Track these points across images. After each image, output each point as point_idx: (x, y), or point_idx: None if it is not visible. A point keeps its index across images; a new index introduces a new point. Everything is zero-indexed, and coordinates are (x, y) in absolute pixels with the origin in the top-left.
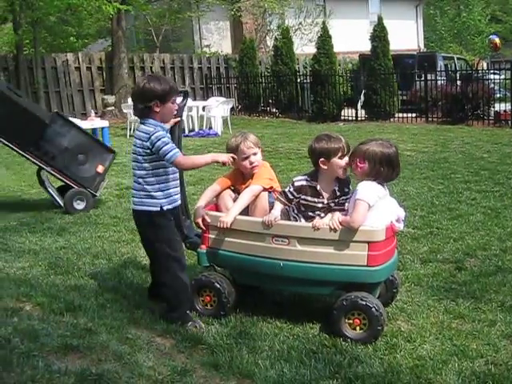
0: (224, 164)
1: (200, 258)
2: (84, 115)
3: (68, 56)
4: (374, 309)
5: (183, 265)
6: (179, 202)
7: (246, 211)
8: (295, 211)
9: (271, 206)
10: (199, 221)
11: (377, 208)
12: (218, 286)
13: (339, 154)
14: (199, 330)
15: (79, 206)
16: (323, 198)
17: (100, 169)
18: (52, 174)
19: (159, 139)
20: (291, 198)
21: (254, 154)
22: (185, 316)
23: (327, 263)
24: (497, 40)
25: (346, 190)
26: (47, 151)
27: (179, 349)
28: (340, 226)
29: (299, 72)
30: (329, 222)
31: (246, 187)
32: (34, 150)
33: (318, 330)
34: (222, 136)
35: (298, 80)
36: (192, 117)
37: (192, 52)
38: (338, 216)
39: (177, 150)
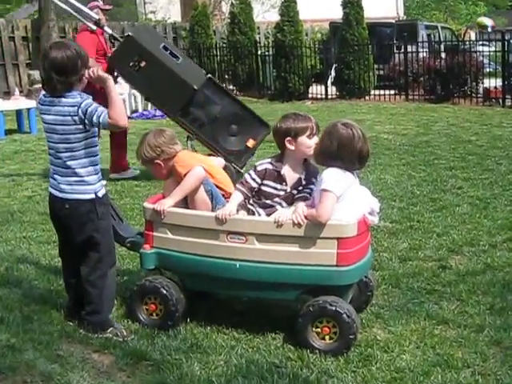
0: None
1: (143, 259)
2: (7, 94)
3: None
4: (345, 315)
5: (114, 261)
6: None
7: (184, 203)
8: (251, 201)
9: (209, 195)
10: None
11: (345, 198)
12: (165, 292)
13: (307, 133)
14: (121, 337)
15: None
16: (286, 184)
17: (250, 143)
18: (201, 142)
19: (91, 104)
20: (255, 185)
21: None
22: (106, 321)
23: (291, 263)
24: (486, 22)
25: (314, 179)
26: (195, 118)
27: (119, 366)
28: (305, 221)
29: (260, 43)
30: (292, 215)
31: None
32: (182, 116)
33: (282, 340)
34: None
35: (259, 52)
36: (135, 96)
37: (135, 19)
38: (302, 209)
39: (105, 111)
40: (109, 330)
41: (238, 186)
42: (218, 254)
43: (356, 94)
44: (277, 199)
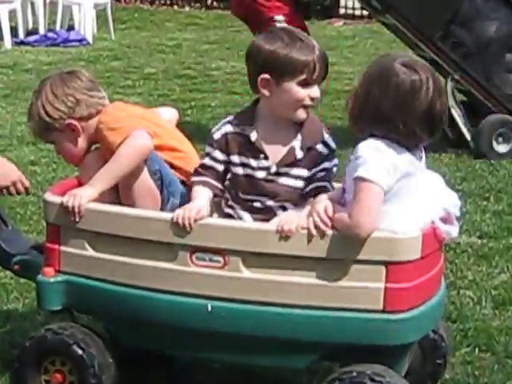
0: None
1: (43, 294)
2: None
3: None
4: None
5: None
6: None
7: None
8: (229, 200)
9: (158, 181)
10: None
11: (400, 193)
12: (80, 351)
13: (301, 76)
14: None
15: (502, 147)
16: (266, 158)
17: None
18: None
19: None
20: (220, 168)
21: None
22: None
23: (303, 306)
24: None
25: (325, 152)
26: (459, 43)
27: None
28: (329, 225)
29: None
30: (306, 219)
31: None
32: (442, 38)
33: None
34: (95, 44)
35: None
36: (33, 4)
37: None
38: (324, 206)
39: None
40: None
41: (194, 177)
42: (176, 287)
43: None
44: (260, 190)
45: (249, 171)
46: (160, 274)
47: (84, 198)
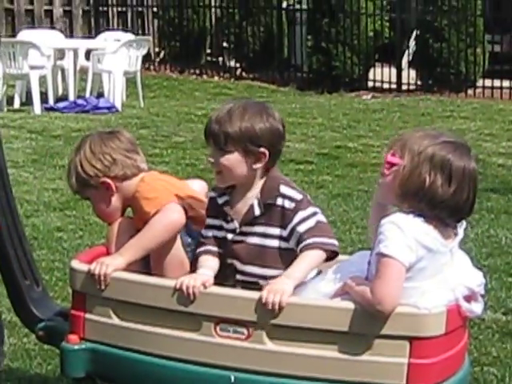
0: None
1: (67, 361)
2: None
3: None
4: None
5: None
6: None
7: (144, 264)
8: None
9: (191, 252)
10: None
11: (425, 270)
12: None
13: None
14: None
15: None
16: (232, 220)
17: None
18: None
19: None
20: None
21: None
22: None
23: (327, 380)
24: None
25: (280, 201)
26: None
27: None
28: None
29: None
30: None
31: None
32: None
33: None
34: (124, 112)
35: (285, 4)
36: (64, 71)
37: None
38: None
39: None
40: None
41: (197, 249)
42: (200, 357)
43: (452, 84)
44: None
45: (223, 234)
46: (184, 345)
47: (111, 266)
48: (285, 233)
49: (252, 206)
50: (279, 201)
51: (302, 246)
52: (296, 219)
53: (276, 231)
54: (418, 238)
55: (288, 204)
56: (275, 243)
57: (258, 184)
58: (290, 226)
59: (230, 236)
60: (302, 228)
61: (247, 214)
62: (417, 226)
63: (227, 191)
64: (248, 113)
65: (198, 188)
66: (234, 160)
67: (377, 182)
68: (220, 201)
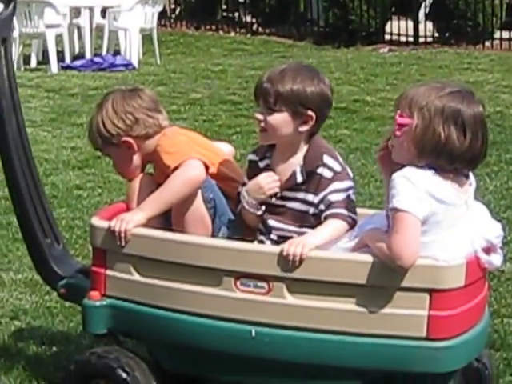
0: None
1: (89, 317)
2: None
3: None
4: None
5: None
6: None
7: (164, 220)
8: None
9: (210, 208)
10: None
11: (441, 222)
12: (125, 375)
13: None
14: None
15: None
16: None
17: None
18: None
19: None
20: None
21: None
22: None
23: (347, 333)
24: None
25: (320, 170)
26: None
27: None
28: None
29: None
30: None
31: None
32: None
33: None
34: (141, 69)
35: None
36: (80, 29)
37: None
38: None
39: None
40: None
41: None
42: (220, 312)
43: (469, 36)
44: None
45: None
46: (204, 300)
47: (131, 222)
48: (316, 199)
49: (294, 173)
50: (319, 169)
51: (329, 213)
52: (330, 188)
53: (311, 197)
54: (430, 190)
55: (327, 173)
56: (308, 208)
57: (302, 149)
58: (322, 194)
59: (270, 199)
60: (333, 197)
61: (289, 179)
62: (428, 179)
63: (268, 155)
64: (300, 75)
65: (227, 150)
66: (281, 119)
67: (390, 143)
68: (261, 164)
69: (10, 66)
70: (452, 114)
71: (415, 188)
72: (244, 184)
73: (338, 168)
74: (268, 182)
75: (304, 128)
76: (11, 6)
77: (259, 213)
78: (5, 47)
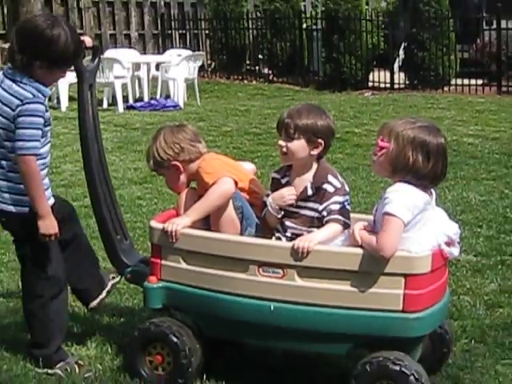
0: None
1: (148, 296)
2: None
3: None
4: (412, 377)
5: (60, 288)
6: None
7: (205, 223)
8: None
9: (239, 214)
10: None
11: (416, 224)
12: (175, 339)
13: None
14: (72, 374)
15: None
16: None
17: None
18: None
19: (32, 114)
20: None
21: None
22: (53, 355)
23: (342, 307)
24: None
25: (325, 186)
26: None
27: None
28: (359, 241)
29: (305, 13)
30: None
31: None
32: None
33: None
34: (185, 109)
35: (305, 25)
36: (140, 79)
37: None
38: (357, 230)
39: (37, 145)
40: (58, 366)
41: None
42: (247, 291)
43: (432, 83)
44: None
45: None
46: (235, 282)
47: (180, 225)
48: (321, 207)
49: (306, 188)
50: (324, 185)
51: (329, 218)
52: (332, 200)
53: (318, 206)
54: (414, 201)
55: (330, 188)
56: (316, 214)
57: (312, 169)
58: (325, 204)
59: (288, 207)
60: (333, 207)
61: (302, 192)
62: (413, 192)
63: (287, 174)
64: (312, 113)
65: (250, 168)
66: (299, 145)
67: (370, 160)
68: (283, 181)
69: (94, 106)
70: (420, 143)
71: (403, 199)
72: (268, 195)
73: (338, 185)
74: (288, 195)
75: (315, 152)
76: (96, 61)
77: (279, 216)
78: (91, 91)
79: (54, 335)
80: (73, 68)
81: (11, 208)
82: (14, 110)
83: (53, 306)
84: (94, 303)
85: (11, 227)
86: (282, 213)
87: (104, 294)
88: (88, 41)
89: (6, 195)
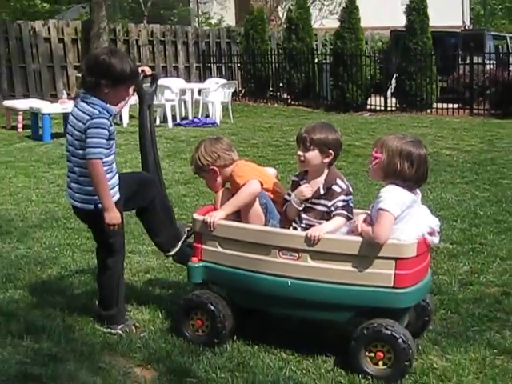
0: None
1: (191, 273)
2: (54, 96)
3: (36, 24)
4: (401, 340)
5: (123, 263)
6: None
7: (236, 216)
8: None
9: (264, 209)
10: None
11: (405, 217)
12: (212, 307)
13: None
14: (131, 334)
15: None
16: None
17: None
18: None
19: (98, 127)
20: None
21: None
22: (116, 316)
23: (345, 283)
24: None
25: (334, 187)
26: None
27: (162, 382)
28: (360, 229)
29: (317, 50)
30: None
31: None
32: None
33: (332, 364)
34: (221, 126)
35: (316, 60)
36: (185, 102)
37: (187, 23)
38: (359, 222)
39: (102, 151)
40: (119, 327)
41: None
42: (269, 270)
43: (417, 106)
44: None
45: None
46: (260, 263)
47: (217, 217)
48: (330, 204)
49: (319, 188)
50: (333, 187)
51: (336, 213)
52: (339, 198)
53: (328, 203)
54: (403, 199)
55: (337, 189)
56: (326, 209)
57: (324, 174)
58: (334, 201)
59: (305, 202)
60: (339, 204)
61: (316, 192)
62: (401, 192)
63: (305, 177)
64: (324, 129)
65: (273, 172)
66: (314, 155)
67: (367, 168)
68: (301, 183)
69: (151, 122)
70: (406, 154)
71: (394, 197)
72: (289, 194)
73: (344, 187)
74: (306, 190)
75: (326, 160)
76: (154, 86)
77: (301, 208)
78: (149, 110)
79: (119, 300)
80: (135, 92)
81: (78, 204)
82: (84, 124)
83: (117, 277)
84: (171, 253)
85: (80, 219)
86: (303, 205)
87: (179, 245)
88: (148, 70)
89: (77, 195)
